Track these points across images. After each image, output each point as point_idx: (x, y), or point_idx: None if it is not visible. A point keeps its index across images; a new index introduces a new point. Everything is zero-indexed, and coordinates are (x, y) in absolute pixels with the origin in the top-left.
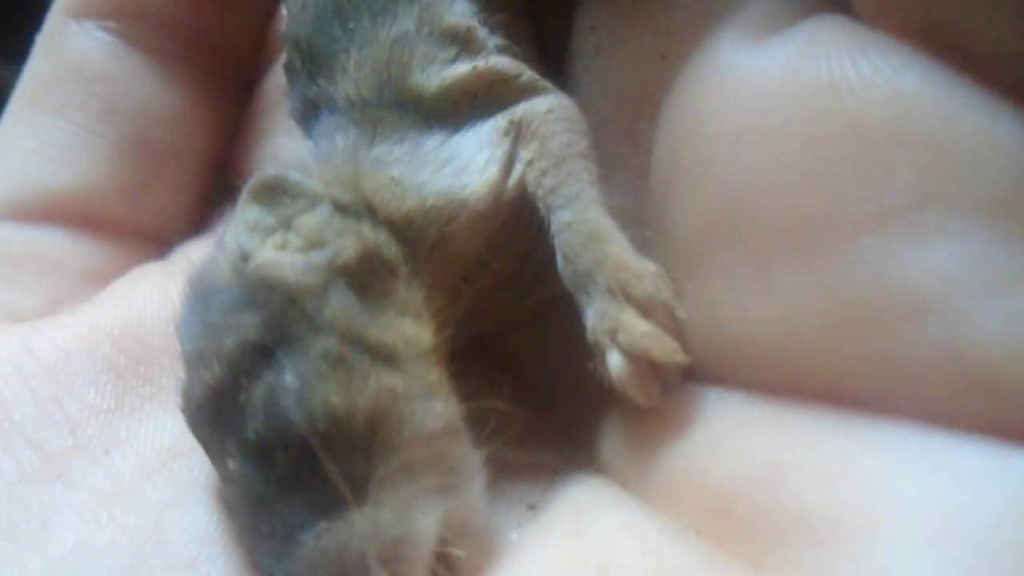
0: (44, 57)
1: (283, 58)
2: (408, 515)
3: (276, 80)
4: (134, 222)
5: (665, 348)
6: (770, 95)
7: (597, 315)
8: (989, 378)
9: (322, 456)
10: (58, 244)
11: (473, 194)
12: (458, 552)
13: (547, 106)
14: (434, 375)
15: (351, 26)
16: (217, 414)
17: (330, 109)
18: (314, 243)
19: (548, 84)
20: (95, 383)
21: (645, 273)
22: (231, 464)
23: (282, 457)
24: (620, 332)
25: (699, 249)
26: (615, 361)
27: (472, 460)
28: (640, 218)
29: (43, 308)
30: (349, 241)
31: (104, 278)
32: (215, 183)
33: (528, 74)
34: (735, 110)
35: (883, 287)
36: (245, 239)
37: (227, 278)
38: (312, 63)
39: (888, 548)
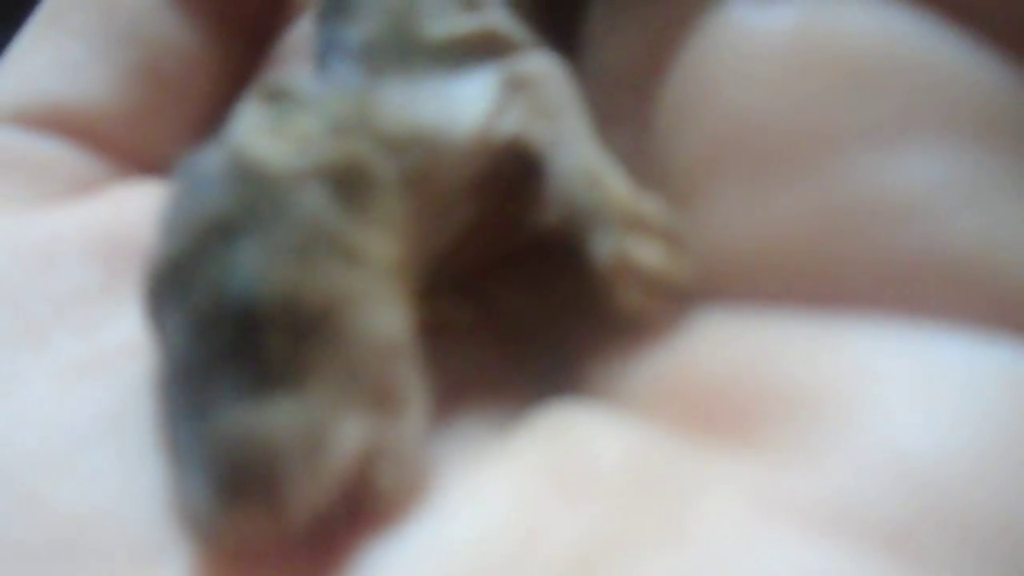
0: None
1: (304, 17)
2: (332, 415)
3: (294, 37)
4: (134, 147)
5: (679, 271)
6: (775, 37)
7: (607, 248)
8: (966, 271)
9: (258, 336)
10: (57, 152)
11: (462, 129)
12: (385, 480)
13: (543, 63)
14: (395, 290)
15: None
16: (171, 285)
17: (346, 52)
18: (303, 142)
19: (543, 47)
20: (84, 265)
21: (651, 206)
22: (169, 336)
23: (219, 332)
24: (634, 260)
25: (700, 178)
26: (630, 289)
27: (415, 389)
28: (644, 164)
29: (39, 203)
30: (338, 146)
31: (97, 192)
32: (219, 126)
33: (526, 35)
34: (741, 53)
35: (870, 197)
36: (240, 132)
37: (213, 165)
38: (335, 7)
39: (877, 410)
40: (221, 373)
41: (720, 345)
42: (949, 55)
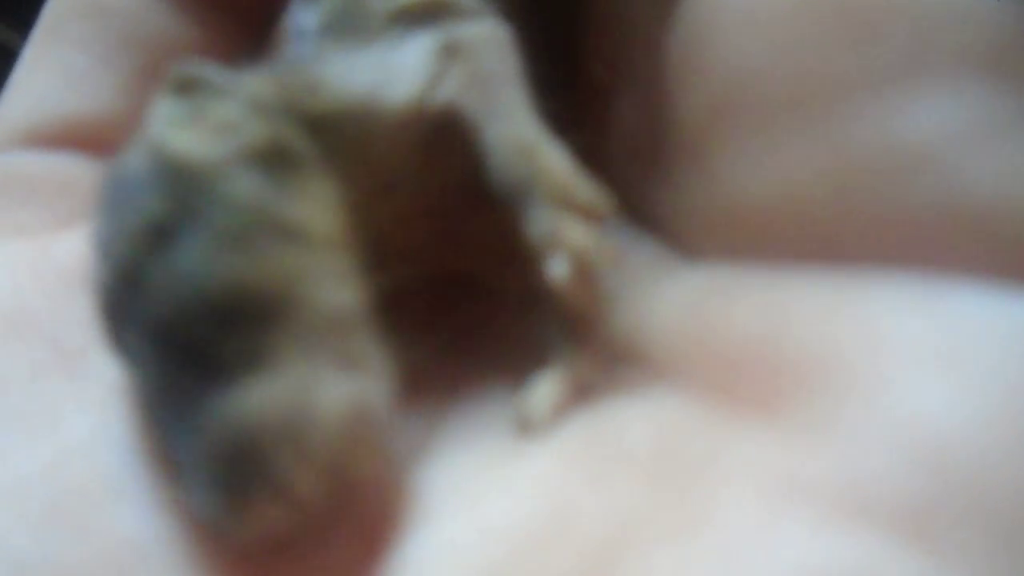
0: None
1: None
2: (309, 385)
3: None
4: None
5: (603, 252)
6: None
7: (537, 223)
8: (981, 221)
9: (217, 330)
10: (75, 167)
11: (395, 99)
12: (365, 447)
13: (482, 31)
14: (342, 262)
15: None
16: (119, 298)
17: (308, 36)
18: (224, 130)
19: (487, 13)
20: None
21: (581, 182)
22: (132, 350)
23: (179, 334)
24: (560, 238)
25: (707, 130)
26: (556, 265)
27: (375, 354)
28: (656, 120)
29: (60, 225)
30: (259, 129)
31: None
32: None
33: (469, 2)
34: (740, 9)
35: (879, 145)
36: (158, 128)
37: (137, 164)
38: None
39: (896, 382)
40: (191, 375)
41: (740, 311)
42: None
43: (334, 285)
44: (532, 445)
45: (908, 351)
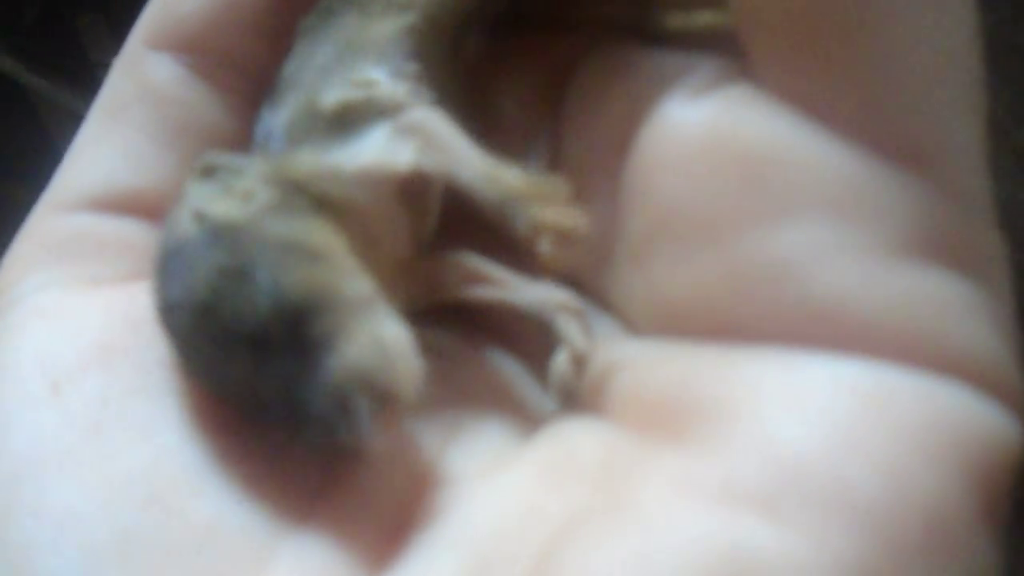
0: (124, 78)
1: None
2: (378, 326)
3: None
4: None
5: (576, 221)
6: (693, 134)
7: (524, 222)
8: (831, 312)
9: (300, 325)
10: (138, 232)
11: (364, 166)
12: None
13: (429, 113)
14: (356, 263)
15: (294, 72)
16: (207, 326)
17: (276, 136)
18: (247, 196)
19: (428, 102)
20: None
21: (539, 180)
22: (220, 363)
23: (276, 335)
24: (541, 221)
25: (643, 247)
26: (543, 245)
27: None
28: (611, 231)
29: (125, 279)
30: (271, 193)
31: None
32: None
33: (409, 93)
34: (669, 146)
35: (761, 259)
36: (197, 202)
37: (188, 232)
38: (269, 100)
39: (765, 417)
40: (291, 360)
41: (663, 370)
42: (817, 148)
43: (355, 280)
44: (513, 461)
45: (775, 398)
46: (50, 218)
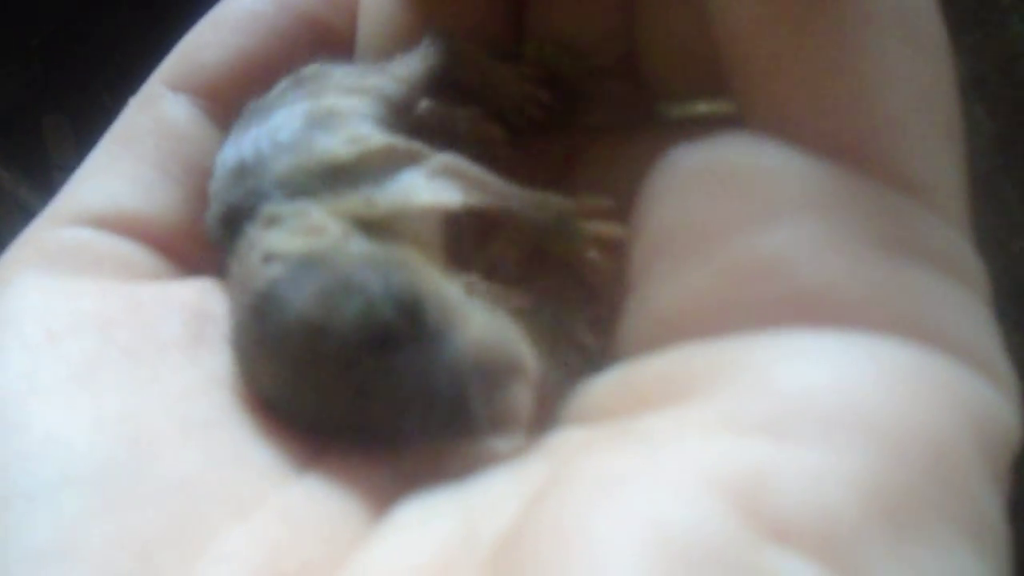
0: (140, 113)
1: None
2: (481, 324)
3: None
4: (200, 258)
5: (616, 231)
6: (687, 168)
7: (575, 236)
8: (811, 300)
9: (418, 314)
10: (137, 254)
11: (422, 204)
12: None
13: (453, 158)
14: (440, 273)
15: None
16: (319, 343)
17: (269, 197)
18: (319, 231)
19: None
20: (184, 323)
21: (590, 200)
22: (342, 386)
23: (395, 333)
24: (587, 233)
25: (647, 265)
26: (592, 254)
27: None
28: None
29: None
30: (342, 224)
31: (167, 282)
32: None
33: (421, 146)
34: (671, 183)
35: (747, 261)
36: (275, 246)
37: (274, 272)
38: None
39: (781, 364)
40: (420, 349)
41: (663, 364)
42: (801, 164)
43: (445, 281)
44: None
45: (776, 353)
46: (50, 228)
